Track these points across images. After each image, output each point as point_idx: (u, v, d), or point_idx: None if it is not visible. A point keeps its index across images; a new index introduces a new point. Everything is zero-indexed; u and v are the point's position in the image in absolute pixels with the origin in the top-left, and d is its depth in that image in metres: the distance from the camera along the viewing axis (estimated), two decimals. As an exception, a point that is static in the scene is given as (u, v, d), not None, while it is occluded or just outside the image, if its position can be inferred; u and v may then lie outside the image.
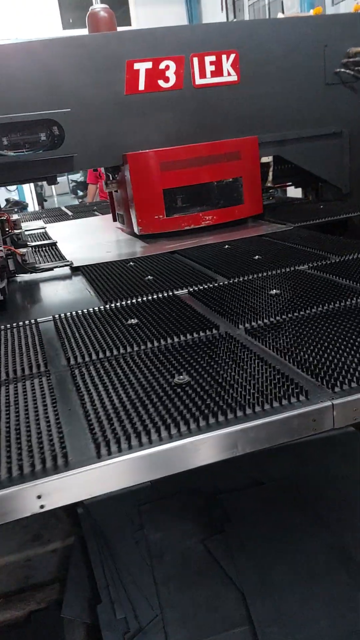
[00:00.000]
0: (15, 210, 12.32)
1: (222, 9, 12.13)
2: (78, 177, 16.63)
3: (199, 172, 3.82)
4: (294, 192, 5.66)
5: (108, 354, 1.85)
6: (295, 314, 2.03)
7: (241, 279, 2.58)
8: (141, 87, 3.74)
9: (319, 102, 4.15)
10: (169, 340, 1.91)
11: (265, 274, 2.61)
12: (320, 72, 4.11)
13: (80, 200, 14.97)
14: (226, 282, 2.56)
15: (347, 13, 6.24)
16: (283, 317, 2.01)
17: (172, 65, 3.77)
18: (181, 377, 1.56)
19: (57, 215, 6.19)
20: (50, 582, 2.43)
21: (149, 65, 3.72)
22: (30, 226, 5.36)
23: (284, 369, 1.56)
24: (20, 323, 2.29)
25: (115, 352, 1.86)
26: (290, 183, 4.93)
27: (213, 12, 12.84)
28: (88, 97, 3.62)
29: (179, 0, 13.82)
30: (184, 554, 2.24)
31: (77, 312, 2.34)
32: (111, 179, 4.22)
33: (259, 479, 2.61)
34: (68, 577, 2.34)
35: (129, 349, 1.87)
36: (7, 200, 13.29)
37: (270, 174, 4.28)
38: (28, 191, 14.01)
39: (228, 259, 2.98)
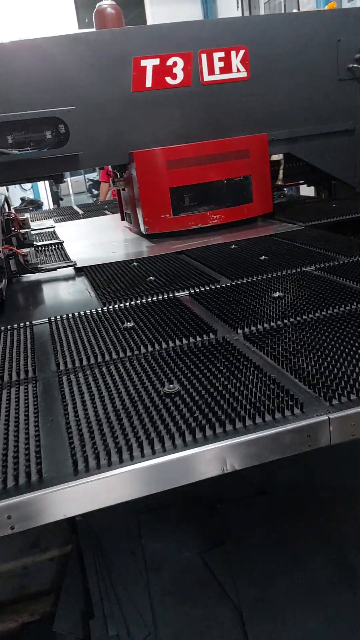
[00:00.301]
0: (30, 209, 12.35)
1: (237, 7, 12.00)
2: (94, 175, 16.58)
3: (207, 170, 3.73)
4: (307, 190, 5.54)
5: (100, 359, 1.78)
6: (298, 318, 1.93)
7: (245, 281, 2.49)
8: (148, 84, 3.66)
9: (331, 99, 4.04)
10: (164, 345, 1.83)
11: (269, 275, 2.52)
12: (332, 67, 3.99)
13: (95, 199, 14.94)
14: (229, 284, 2.47)
15: (362, 7, 6.12)
16: (284, 321, 1.92)
17: (180, 62, 3.68)
18: (171, 386, 1.48)
19: (67, 214, 6.14)
20: (46, 592, 2.36)
21: (156, 61, 3.63)
22: (39, 225, 5.31)
23: (280, 378, 1.47)
24: (15, 325, 2.23)
25: (107, 358, 1.78)
26: (301, 181, 4.81)
27: (229, 10, 12.71)
28: (94, 94, 3.55)
29: (195, -1, 13.73)
30: (182, 567, 2.16)
31: (73, 315, 2.27)
32: (118, 177, 4.14)
33: (261, 488, 2.52)
34: (62, 588, 2.28)
35: (121, 354, 1.79)
36: (22, 199, 13.31)
37: (281, 172, 4.18)
38: (43, 190, 14.01)
39: (233, 260, 2.89)
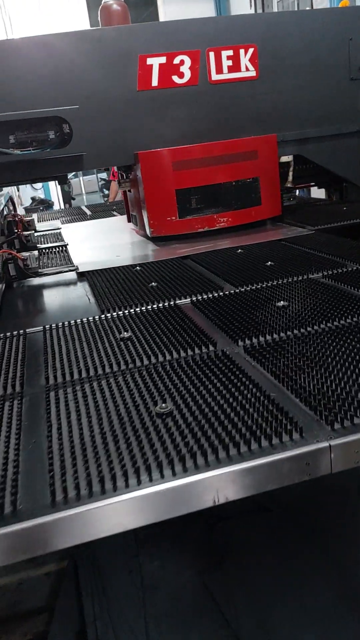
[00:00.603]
0: (41, 208, 12.33)
1: (250, 5, 11.87)
2: (107, 174, 16.50)
3: (214, 171, 3.63)
4: (318, 192, 5.42)
5: (92, 372, 1.69)
6: (302, 330, 1.83)
7: (249, 288, 2.39)
8: (154, 83, 3.57)
9: (343, 99, 3.92)
10: (160, 358, 1.74)
11: (275, 282, 2.42)
12: (344, 66, 3.88)
13: (105, 198, 14.87)
14: (232, 292, 2.37)
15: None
16: (288, 333, 1.82)
17: (187, 60, 3.59)
18: (164, 405, 1.38)
19: (75, 215, 6.07)
20: (40, 610, 2.28)
21: (162, 60, 3.54)
22: (47, 226, 5.25)
23: (279, 398, 1.37)
24: (9, 334, 2.15)
25: (99, 371, 1.69)
26: (312, 183, 4.69)
27: (242, 8, 12.59)
28: (99, 93, 3.46)
29: (208, -3, 13.62)
30: (180, 588, 2.07)
31: (69, 323, 2.18)
32: (124, 178, 4.06)
33: (265, 505, 2.42)
34: (56, 606, 2.20)
35: (114, 368, 1.70)
36: (33, 199, 13.31)
37: (291, 173, 4.06)
38: (54, 189, 13.97)
39: (238, 265, 2.79)
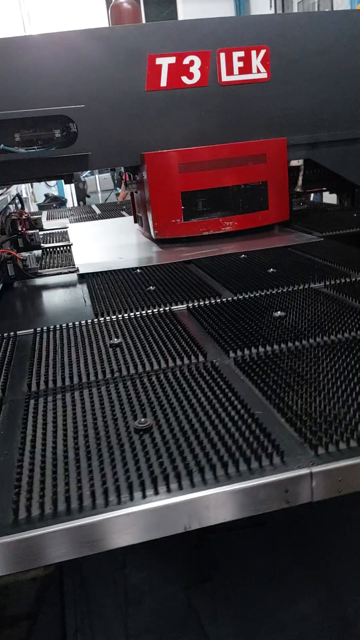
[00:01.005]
0: (54, 205, 12.32)
1: (270, 6, 11.77)
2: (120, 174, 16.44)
3: (221, 174, 3.57)
4: (330, 197, 5.33)
5: (76, 380, 1.64)
6: (297, 343, 1.76)
7: (247, 296, 2.33)
8: (163, 83, 3.50)
9: (357, 103, 3.83)
10: (147, 367, 1.69)
11: (275, 290, 2.36)
12: (359, 70, 3.79)
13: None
14: (230, 299, 2.31)
15: None
16: (281, 345, 1.75)
17: (197, 61, 3.52)
18: (143, 420, 1.33)
19: (84, 214, 6.03)
20: (22, 616, 2.24)
21: (172, 60, 3.48)
22: (53, 225, 5.21)
23: (265, 417, 1.31)
24: (-1, 335, 2.11)
25: (84, 379, 1.64)
26: (324, 188, 4.60)
27: (262, 9, 12.49)
28: (106, 92, 3.41)
29: (228, -4, 13.53)
30: (164, 602, 2.01)
31: (61, 326, 2.14)
32: (131, 178, 4.01)
33: (259, 518, 2.35)
34: (39, 614, 2.15)
35: (99, 376, 1.65)
36: (46, 196, 13.31)
37: (300, 178, 3.98)
38: (68, 186, 13.94)
39: (240, 271, 2.73)
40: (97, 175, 17.64)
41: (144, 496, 1.07)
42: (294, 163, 3.91)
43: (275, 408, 1.36)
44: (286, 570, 2.05)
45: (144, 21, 13.42)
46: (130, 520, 1.03)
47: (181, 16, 13.58)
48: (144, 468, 1.14)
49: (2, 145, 3.25)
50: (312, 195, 6.44)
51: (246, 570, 2.08)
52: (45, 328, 2.13)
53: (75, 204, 13.70)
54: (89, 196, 16.01)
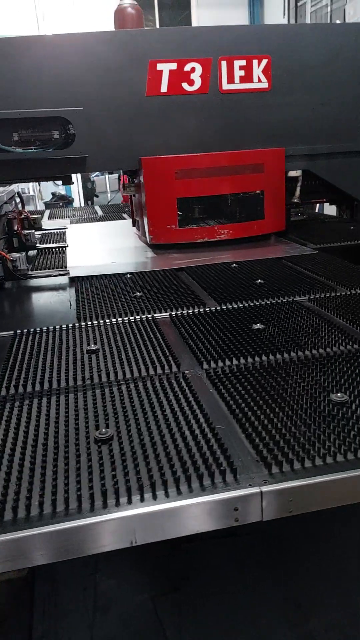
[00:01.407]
0: (60, 204, 12.34)
1: (284, 14, 11.78)
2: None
3: (218, 182, 3.57)
4: (330, 208, 5.32)
5: (46, 386, 1.64)
6: (271, 356, 1.76)
7: (231, 307, 2.33)
8: (163, 89, 3.51)
9: (357, 116, 3.82)
10: (119, 376, 1.68)
11: (258, 302, 2.35)
12: (360, 83, 3.78)
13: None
14: (213, 309, 2.31)
15: None
16: (256, 359, 1.75)
17: (198, 68, 3.53)
18: (104, 430, 1.32)
19: (86, 215, 6.04)
20: (-7, 619, 2.23)
21: (173, 66, 3.48)
22: (53, 225, 5.22)
23: (225, 432, 1.31)
24: (-21, 337, 2.11)
25: (54, 385, 1.64)
26: (320, 200, 4.59)
27: (275, 17, 12.50)
28: (106, 96, 3.42)
29: (243, 3, 13.53)
30: (131, 610, 2.00)
31: (41, 329, 2.14)
32: (129, 182, 4.01)
33: (233, 529, 2.34)
34: (9, 617, 2.15)
35: (70, 383, 1.65)
36: (53, 194, 13.34)
37: (298, 189, 3.97)
38: (75, 185, 13.96)
39: (228, 281, 2.73)
40: (106, 176, 17.67)
41: (92, 509, 1.06)
42: (292, 174, 3.90)
43: (238, 423, 1.35)
44: (254, 584, 2.04)
45: (157, 25, 13.48)
46: (81, 533, 1.02)
47: (195, 22, 13.60)
48: (96, 481, 1.14)
49: (-1, 144, 3.27)
50: (317, 205, 6.45)
51: (214, 583, 2.07)
52: (25, 331, 2.13)
53: (82, 204, 13.73)
54: (97, 196, 16.03)
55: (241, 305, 2.35)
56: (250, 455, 1.22)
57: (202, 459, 1.19)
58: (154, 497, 1.09)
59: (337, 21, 7.40)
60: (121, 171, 7.70)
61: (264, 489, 1.10)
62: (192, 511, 1.08)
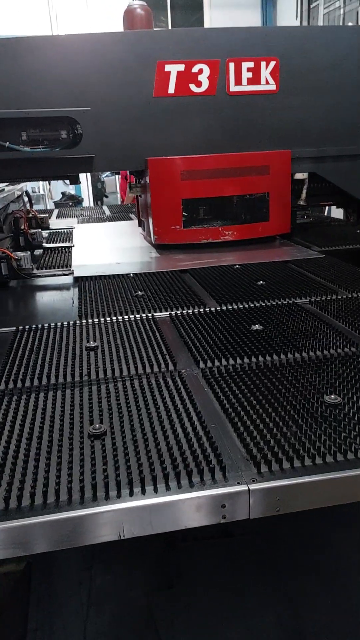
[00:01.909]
0: (70, 204, 12.40)
1: (296, 16, 11.78)
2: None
3: (223, 184, 3.58)
4: (338, 211, 5.32)
5: (44, 381, 1.66)
6: (268, 357, 1.77)
7: (231, 307, 2.34)
8: (171, 90, 3.53)
9: (365, 118, 3.82)
10: (116, 373, 1.70)
11: (259, 304, 2.37)
12: (369, 86, 3.78)
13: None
14: (214, 309, 2.32)
15: None
16: (252, 359, 1.76)
17: (206, 69, 3.54)
18: (97, 426, 1.34)
19: (94, 215, 6.07)
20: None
21: (181, 67, 3.50)
22: (61, 225, 5.25)
23: (217, 431, 1.32)
24: (-19, 332, 2.14)
25: (52, 380, 1.67)
26: (327, 202, 4.60)
27: (288, 18, 12.50)
28: (114, 96, 3.44)
29: (255, 5, 13.53)
30: (124, 608, 2.02)
31: (43, 326, 2.16)
32: (136, 182, 4.04)
33: (228, 530, 2.36)
34: (5, 609, 2.17)
35: (68, 379, 1.67)
36: (63, 194, 13.40)
37: (304, 191, 3.97)
38: (85, 185, 14.02)
39: (230, 282, 2.74)
40: (116, 176, 17.71)
41: (82, 502, 1.08)
42: (298, 176, 3.91)
43: (230, 422, 1.37)
44: (248, 583, 2.06)
45: (170, 26, 13.50)
46: (71, 524, 1.04)
47: (207, 23, 13.62)
48: (88, 474, 1.16)
49: (7, 143, 3.30)
50: (326, 208, 6.45)
51: (208, 581, 2.09)
52: (27, 327, 2.16)
53: (92, 204, 13.78)
54: (107, 196, 16.07)
55: (241, 306, 2.36)
56: (241, 453, 1.23)
57: (192, 456, 1.21)
58: (143, 492, 1.11)
59: (350, 23, 7.39)
60: (119, 173, 7.73)
61: (252, 487, 1.11)
62: (179, 507, 1.09)
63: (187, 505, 1.09)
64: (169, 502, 1.09)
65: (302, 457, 1.19)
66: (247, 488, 1.11)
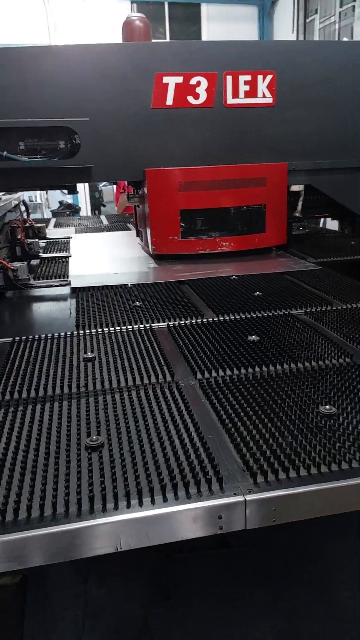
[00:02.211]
0: (67, 213, 12.43)
1: (292, 30, 11.90)
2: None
3: (220, 195, 3.61)
4: (333, 223, 5.35)
5: (41, 393, 1.66)
6: (264, 368, 1.78)
7: (228, 318, 2.35)
8: (169, 102, 3.56)
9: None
10: (114, 384, 1.71)
11: (255, 314, 2.38)
12: (364, 100, 3.82)
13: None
14: (211, 320, 2.33)
15: None
16: (249, 370, 1.77)
17: (204, 82, 3.58)
18: (94, 438, 1.35)
19: (91, 225, 6.09)
20: (-17, 623, 2.24)
21: (179, 79, 3.53)
22: (58, 234, 5.26)
23: (214, 442, 1.33)
24: (-23, 343, 2.14)
25: (49, 392, 1.67)
26: (322, 214, 4.63)
27: (284, 32, 12.63)
28: (112, 107, 3.47)
29: (252, 18, 13.69)
30: (120, 620, 2.01)
31: (40, 337, 2.17)
32: (134, 193, 4.06)
33: (226, 540, 2.35)
34: (1, 623, 2.16)
35: (65, 390, 1.68)
36: (61, 203, 13.43)
37: (300, 203, 4.00)
38: (82, 194, 14.06)
39: (227, 292, 2.75)
40: (114, 186, 17.77)
41: (79, 514, 1.09)
42: (294, 188, 3.94)
43: (227, 433, 1.37)
44: (244, 593, 2.05)
45: (168, 38, 13.62)
46: (68, 537, 1.05)
47: (205, 35, 13.76)
48: (85, 487, 1.16)
49: (5, 152, 3.32)
50: (321, 220, 6.48)
51: (206, 593, 2.08)
52: (24, 338, 2.16)
53: (89, 213, 13.81)
54: (104, 205, 16.06)
55: (238, 317, 2.37)
56: (237, 464, 1.24)
57: (189, 467, 1.22)
58: (140, 503, 1.11)
59: (345, 38, 7.48)
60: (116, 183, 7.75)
61: (248, 497, 1.12)
62: (176, 518, 1.10)
63: (184, 516, 1.10)
64: (166, 513, 1.09)
65: (297, 467, 1.20)
66: (243, 499, 1.12)
